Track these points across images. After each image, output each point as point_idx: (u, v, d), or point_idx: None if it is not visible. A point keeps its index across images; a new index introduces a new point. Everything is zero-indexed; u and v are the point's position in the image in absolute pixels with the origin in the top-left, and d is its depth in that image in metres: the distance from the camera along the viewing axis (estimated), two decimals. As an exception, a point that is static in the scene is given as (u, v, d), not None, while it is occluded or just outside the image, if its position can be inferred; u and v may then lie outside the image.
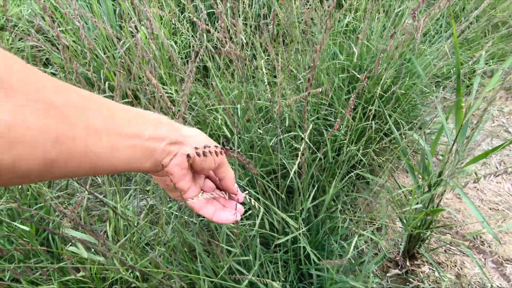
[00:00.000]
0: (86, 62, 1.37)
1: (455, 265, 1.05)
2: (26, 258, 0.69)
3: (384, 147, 1.25)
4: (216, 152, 0.32)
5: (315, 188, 0.91)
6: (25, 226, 0.65)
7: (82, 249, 0.47)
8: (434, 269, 1.03)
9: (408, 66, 1.29)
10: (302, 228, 0.82)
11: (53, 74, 1.40)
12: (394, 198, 0.99)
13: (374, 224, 1.07)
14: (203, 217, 0.38)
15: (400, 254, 1.04)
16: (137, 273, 0.61)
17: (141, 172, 0.29)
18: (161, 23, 1.50)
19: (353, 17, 1.57)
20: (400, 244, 1.07)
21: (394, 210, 1.01)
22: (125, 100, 1.36)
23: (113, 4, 1.56)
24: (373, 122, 1.09)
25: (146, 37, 1.27)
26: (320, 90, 0.65)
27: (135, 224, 0.73)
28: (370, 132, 1.00)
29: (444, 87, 1.55)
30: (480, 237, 1.14)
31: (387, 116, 0.98)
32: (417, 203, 0.78)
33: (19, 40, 1.48)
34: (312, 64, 1.00)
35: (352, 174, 1.02)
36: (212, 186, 0.38)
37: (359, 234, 0.81)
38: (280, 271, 0.77)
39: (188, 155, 0.30)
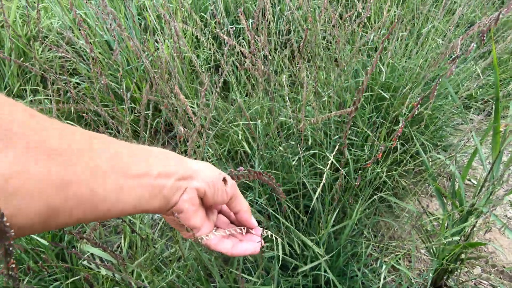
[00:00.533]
0: (111, 73, 1.40)
1: (487, 301, 0.98)
2: (41, 270, 0.68)
3: (409, 169, 1.20)
4: (226, 182, 0.31)
5: (336, 211, 0.87)
6: (43, 239, 0.64)
7: (102, 269, 0.45)
8: (463, 304, 0.96)
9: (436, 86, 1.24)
10: (323, 254, 0.78)
11: (78, 84, 1.44)
12: (420, 225, 0.94)
13: (399, 253, 1.01)
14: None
15: (428, 285, 0.97)
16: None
17: (150, 212, 0.27)
18: (185, 37, 1.52)
19: (375, 35, 1.55)
20: (427, 276, 1.00)
21: (420, 237, 0.95)
22: (146, 112, 1.37)
23: (139, 19, 1.61)
24: (398, 143, 1.05)
25: (169, 51, 1.29)
26: (350, 110, 0.63)
27: (151, 240, 0.72)
28: (395, 154, 0.96)
29: (476, 110, 1.49)
30: (514, 271, 1.06)
31: (414, 138, 0.94)
32: (449, 235, 0.73)
33: (48, 51, 1.54)
34: (336, 83, 0.98)
35: (376, 197, 0.98)
36: (226, 221, 0.37)
37: (386, 264, 0.75)
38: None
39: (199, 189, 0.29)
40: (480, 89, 1.68)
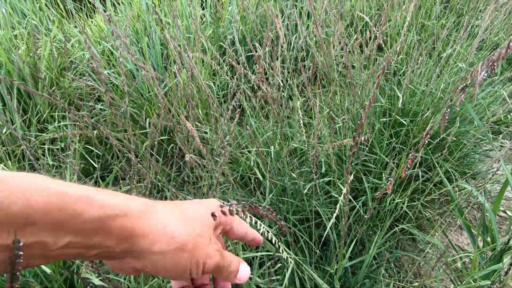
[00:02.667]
0: (133, 100, 1.47)
1: None
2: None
3: (432, 199, 1.12)
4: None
5: (353, 243, 0.81)
6: (46, 267, 0.65)
7: None
8: None
9: (458, 111, 1.19)
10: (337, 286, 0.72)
11: (102, 110, 1.51)
12: (448, 260, 0.85)
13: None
14: None
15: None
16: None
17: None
18: (203, 65, 1.58)
19: (394, 60, 1.52)
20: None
21: (448, 276, 0.86)
22: (161, 137, 1.40)
23: (161, 48, 1.70)
24: (419, 170, 0.99)
25: (187, 79, 1.34)
26: (365, 138, 0.60)
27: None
28: (417, 183, 0.90)
29: (507, 134, 1.40)
30: None
31: (436, 165, 0.89)
32: (480, 279, 0.65)
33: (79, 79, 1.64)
34: (352, 108, 0.96)
35: (397, 229, 0.91)
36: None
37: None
38: None
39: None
40: (510, 113, 1.58)
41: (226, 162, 0.68)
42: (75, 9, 2.35)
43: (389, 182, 0.45)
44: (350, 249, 0.78)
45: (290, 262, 0.53)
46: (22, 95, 1.50)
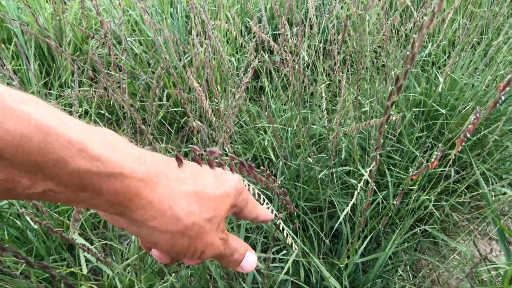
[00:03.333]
0: (153, 72, 1.44)
1: None
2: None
3: (462, 202, 1.01)
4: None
5: (368, 239, 0.74)
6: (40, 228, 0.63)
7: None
8: None
9: (504, 109, 1.05)
10: (344, 286, 0.66)
11: (118, 82, 1.49)
12: (475, 272, 0.76)
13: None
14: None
15: None
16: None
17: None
18: (227, 40, 1.51)
19: (434, 50, 1.39)
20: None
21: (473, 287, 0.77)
22: (176, 109, 1.37)
23: (186, 21, 1.65)
24: (452, 168, 0.89)
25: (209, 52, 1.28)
26: (394, 118, 0.52)
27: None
28: (447, 182, 0.80)
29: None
30: None
31: (474, 166, 0.78)
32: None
33: (101, 48, 1.63)
34: (382, 94, 0.86)
35: (418, 230, 0.82)
36: None
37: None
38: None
39: None
40: None
41: (231, 128, 0.63)
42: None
43: (414, 172, 0.37)
44: (364, 245, 0.71)
45: (295, 248, 0.47)
46: (46, 57, 1.50)
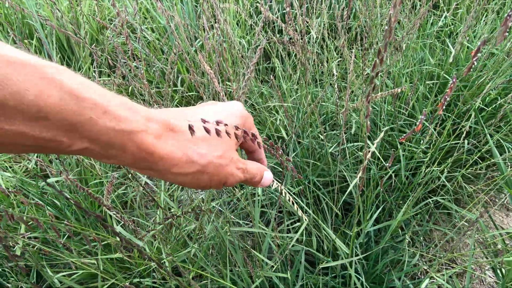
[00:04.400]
0: (166, 58, 1.47)
1: None
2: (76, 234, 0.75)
3: (478, 174, 1.01)
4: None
5: (379, 209, 0.76)
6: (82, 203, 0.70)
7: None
8: None
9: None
10: (356, 254, 0.69)
11: (136, 68, 1.54)
12: (487, 241, 0.78)
13: (454, 267, 0.85)
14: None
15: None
16: (169, 268, 0.59)
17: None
18: (236, 23, 1.52)
19: (451, 18, 1.33)
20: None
21: (484, 254, 0.79)
22: (190, 93, 1.41)
23: (195, 6, 1.65)
24: (465, 140, 0.88)
25: (218, 36, 1.29)
26: (400, 90, 0.53)
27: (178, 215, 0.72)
28: (460, 153, 0.81)
29: None
30: None
31: (487, 135, 0.78)
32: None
33: (116, 37, 1.68)
34: (395, 68, 0.86)
35: (430, 200, 0.84)
36: None
37: (429, 277, 0.64)
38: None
39: None
40: None
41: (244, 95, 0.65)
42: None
43: (419, 121, 0.39)
44: (376, 215, 0.74)
45: (305, 219, 0.51)
46: (66, 50, 1.57)
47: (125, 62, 1.54)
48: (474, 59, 0.26)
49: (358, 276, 0.67)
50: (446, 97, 0.36)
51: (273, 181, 0.34)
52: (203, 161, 0.24)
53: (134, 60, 1.25)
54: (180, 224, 0.76)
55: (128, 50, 1.65)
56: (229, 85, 1.17)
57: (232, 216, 0.86)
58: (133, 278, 0.70)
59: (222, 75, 1.27)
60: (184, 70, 1.41)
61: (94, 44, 1.68)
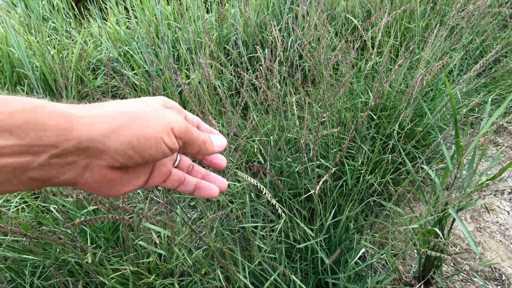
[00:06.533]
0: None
1: (470, 294, 1.11)
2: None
3: (404, 178, 1.36)
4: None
5: (334, 208, 1.06)
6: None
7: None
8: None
9: (428, 106, 1.42)
10: (320, 237, 0.97)
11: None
12: (406, 222, 1.10)
13: (388, 246, 1.16)
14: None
15: (418, 274, 1.12)
16: (190, 262, 0.80)
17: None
18: (211, 67, 1.80)
19: (376, 62, 1.74)
20: (414, 268, 1.16)
21: (410, 236, 1.11)
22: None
23: (172, 50, 1.91)
24: (389, 155, 1.23)
25: (199, 79, 1.56)
26: (336, 130, 0.83)
27: (188, 231, 0.95)
28: (386, 165, 1.14)
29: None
30: (499, 270, 1.18)
31: (401, 149, 1.12)
32: (423, 222, 0.90)
33: (98, 79, 1.86)
34: (339, 104, 1.18)
35: (370, 200, 1.16)
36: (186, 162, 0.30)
37: (365, 246, 0.93)
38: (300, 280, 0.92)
39: None
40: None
41: (241, 148, 0.91)
42: (88, 13, 2.55)
43: (336, 157, 0.68)
44: (332, 212, 1.03)
45: (283, 217, 0.77)
46: (55, 94, 1.72)
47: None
48: (376, 98, 0.54)
49: (323, 258, 0.94)
50: (360, 122, 0.65)
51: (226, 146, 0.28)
52: (132, 110, 0.22)
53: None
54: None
55: (114, 90, 1.84)
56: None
57: (223, 231, 1.10)
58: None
59: (203, 113, 1.53)
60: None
61: (79, 86, 1.85)
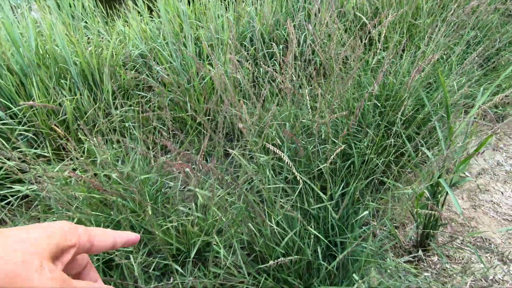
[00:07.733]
0: (174, 90, 1.88)
1: (462, 259, 1.27)
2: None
3: (409, 160, 1.52)
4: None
5: (343, 184, 1.23)
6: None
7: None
8: (442, 260, 1.26)
9: (429, 96, 1.57)
10: (331, 204, 1.14)
11: (150, 99, 1.93)
12: (406, 196, 1.26)
13: (391, 217, 1.33)
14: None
15: (417, 240, 1.28)
16: (224, 220, 0.99)
17: None
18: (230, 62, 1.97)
19: (383, 56, 1.89)
20: (413, 237, 1.32)
21: (403, 203, 1.27)
22: (208, 117, 1.82)
23: (195, 47, 2.09)
24: (392, 139, 1.39)
25: (223, 72, 1.73)
26: (345, 113, 1.00)
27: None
28: (389, 148, 1.30)
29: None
30: (489, 240, 1.33)
31: (402, 134, 1.28)
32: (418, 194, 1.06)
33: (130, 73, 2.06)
34: (347, 94, 1.35)
35: (374, 177, 1.32)
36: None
37: (368, 209, 1.10)
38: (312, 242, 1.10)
39: None
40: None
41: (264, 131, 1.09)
42: (115, 11, 2.75)
43: (350, 123, 0.85)
44: (341, 186, 1.20)
45: (300, 180, 0.94)
46: (92, 88, 1.93)
47: (138, 94, 1.92)
48: (376, 84, 0.71)
49: (332, 225, 1.11)
50: (362, 103, 0.82)
51: None
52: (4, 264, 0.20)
53: (160, 87, 1.65)
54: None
55: (144, 84, 2.04)
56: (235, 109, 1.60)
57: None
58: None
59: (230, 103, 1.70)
60: (194, 100, 1.83)
61: (113, 80, 2.05)
